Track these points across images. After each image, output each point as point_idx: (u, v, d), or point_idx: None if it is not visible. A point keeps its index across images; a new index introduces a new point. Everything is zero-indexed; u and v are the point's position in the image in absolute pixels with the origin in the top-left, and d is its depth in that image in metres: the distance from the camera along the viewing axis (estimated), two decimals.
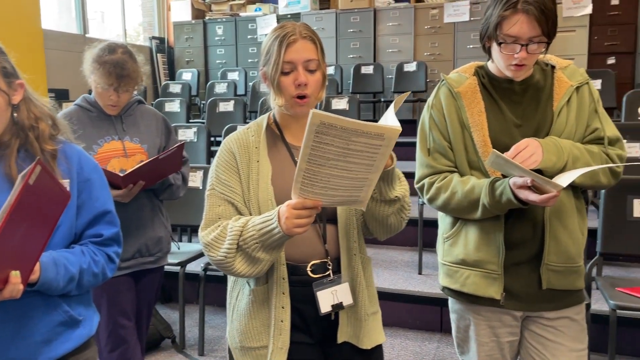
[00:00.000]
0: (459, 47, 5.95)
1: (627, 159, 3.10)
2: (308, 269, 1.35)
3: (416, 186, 1.63)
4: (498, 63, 1.50)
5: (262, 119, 1.47)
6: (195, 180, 2.92)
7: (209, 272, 2.83)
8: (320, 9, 6.59)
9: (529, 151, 1.41)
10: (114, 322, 2.06)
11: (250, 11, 7.01)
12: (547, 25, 1.41)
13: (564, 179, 1.34)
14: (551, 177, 1.39)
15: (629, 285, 2.28)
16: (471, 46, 5.86)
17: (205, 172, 2.96)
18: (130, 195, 2.02)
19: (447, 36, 6.00)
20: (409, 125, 4.41)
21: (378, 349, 1.45)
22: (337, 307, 1.34)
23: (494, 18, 1.44)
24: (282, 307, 1.33)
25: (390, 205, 1.33)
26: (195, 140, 3.71)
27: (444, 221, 1.65)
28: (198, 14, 7.16)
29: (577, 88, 1.53)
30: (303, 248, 1.34)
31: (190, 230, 3.41)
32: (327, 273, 1.35)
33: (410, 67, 5.92)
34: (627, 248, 2.36)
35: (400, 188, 1.36)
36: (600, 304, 2.41)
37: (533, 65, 1.55)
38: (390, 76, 6.07)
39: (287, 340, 1.33)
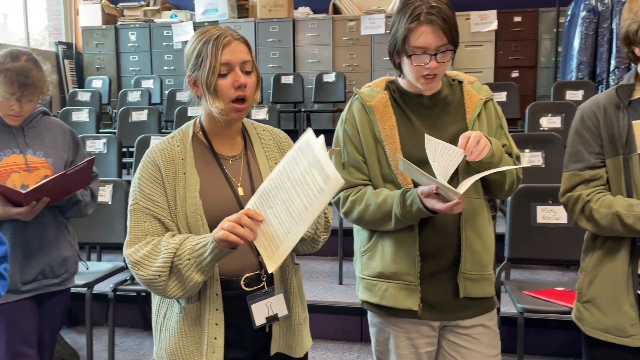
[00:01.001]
0: (375, 58, 6.11)
1: (530, 168, 3.32)
2: (242, 282, 1.32)
3: (332, 201, 1.63)
4: (410, 77, 1.53)
5: (188, 127, 1.42)
6: (104, 195, 2.76)
7: (119, 292, 2.68)
8: (239, 17, 6.53)
9: (477, 137, 1.41)
10: (14, 351, 1.90)
11: (165, 18, 6.81)
12: (451, 33, 1.46)
13: (463, 186, 1.39)
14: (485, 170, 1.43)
15: (534, 288, 2.42)
16: (387, 58, 6.02)
17: (116, 185, 2.82)
18: (33, 213, 1.88)
19: (365, 48, 6.14)
20: (329, 135, 4.44)
21: (306, 354, 1.46)
22: (272, 319, 1.33)
23: (401, 32, 1.47)
24: (216, 324, 1.30)
25: (301, 242, 1.35)
26: (105, 151, 3.52)
27: (360, 235, 1.66)
28: (109, 19, 6.85)
29: (485, 103, 1.59)
30: (236, 261, 1.32)
31: (99, 249, 3.22)
32: (261, 285, 1.33)
33: (330, 77, 5.99)
34: (532, 253, 2.50)
35: (313, 226, 1.37)
36: (509, 307, 2.53)
37: (441, 81, 1.61)
38: (310, 86, 6.11)
39: (220, 357, 1.30)
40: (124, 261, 2.75)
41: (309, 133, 1.16)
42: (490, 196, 1.65)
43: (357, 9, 6.31)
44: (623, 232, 1.42)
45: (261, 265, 1.34)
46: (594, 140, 1.48)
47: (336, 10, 6.44)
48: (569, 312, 1.62)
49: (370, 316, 1.66)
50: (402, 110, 1.58)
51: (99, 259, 3.19)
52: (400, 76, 1.61)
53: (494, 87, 5.25)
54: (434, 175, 1.37)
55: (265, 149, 1.45)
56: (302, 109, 5.87)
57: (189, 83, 1.35)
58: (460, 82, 1.63)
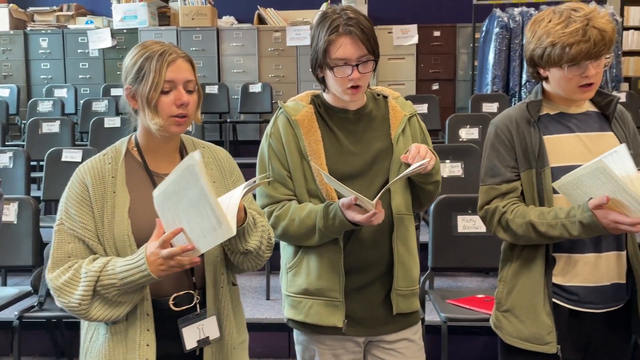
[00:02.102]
0: (302, 70, 6.11)
1: (450, 178, 3.43)
2: (170, 302, 1.27)
3: None
4: (334, 89, 1.52)
5: (122, 144, 1.36)
6: (9, 213, 2.54)
7: (25, 320, 2.46)
8: (160, 25, 6.32)
9: (424, 150, 1.45)
10: None
11: (80, 24, 6.47)
12: (370, 43, 1.47)
13: (378, 197, 1.40)
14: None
15: (457, 296, 2.48)
16: None
17: (22, 203, 2.61)
18: None
19: (291, 59, 6.13)
20: (255, 146, 4.38)
21: None
22: (203, 342, 1.29)
23: (321, 45, 1.47)
24: (147, 345, 1.24)
25: (245, 255, 1.31)
26: (11, 166, 3.26)
27: (286, 251, 1.63)
28: (18, 24, 6.41)
29: (409, 118, 1.61)
30: (168, 281, 1.26)
31: (4, 272, 2.96)
32: (193, 304, 1.29)
33: (256, 88, 5.93)
34: (454, 261, 2.57)
35: (255, 238, 1.32)
36: (433, 315, 2.57)
37: (366, 95, 1.61)
38: (235, 96, 6.02)
39: None
40: (31, 284, 2.55)
41: (197, 156, 1.11)
42: (418, 209, 1.68)
43: (283, 20, 6.31)
44: (538, 240, 1.46)
45: (195, 285, 1.31)
46: (508, 155, 1.52)
47: (261, 21, 6.41)
48: (488, 320, 1.65)
49: (296, 334, 1.63)
50: (327, 125, 1.57)
51: (4, 284, 2.94)
52: (324, 90, 1.60)
53: (416, 99, 5.40)
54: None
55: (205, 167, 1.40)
56: (228, 120, 5.76)
57: (127, 96, 1.31)
58: (386, 97, 1.64)
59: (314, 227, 1.48)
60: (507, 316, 1.55)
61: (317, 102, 1.60)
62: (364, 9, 6.11)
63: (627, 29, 5.89)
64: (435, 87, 6.22)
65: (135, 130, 1.37)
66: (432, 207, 2.61)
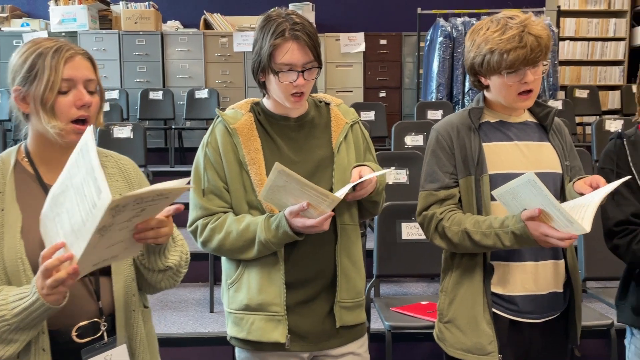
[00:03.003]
0: (249, 76, 6.03)
1: (395, 185, 3.46)
2: (73, 333, 1.14)
3: (189, 230, 1.53)
4: (277, 95, 1.48)
5: (9, 154, 1.21)
6: None
7: None
8: (101, 28, 6.10)
9: (366, 170, 1.44)
10: None
11: (15, 26, 6.16)
12: (316, 50, 1.44)
13: (339, 193, 1.38)
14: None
15: (402, 303, 2.48)
16: None
17: None
18: None
19: (238, 65, 6.06)
20: None
21: None
22: None
23: (266, 49, 1.42)
24: None
25: (164, 273, 1.24)
26: None
27: (226, 267, 1.57)
28: None
29: (352, 126, 1.59)
30: (69, 308, 1.11)
31: None
32: (100, 334, 1.17)
33: (202, 94, 5.82)
34: (399, 269, 2.57)
35: (174, 255, 1.25)
36: (379, 323, 2.57)
37: (308, 102, 1.58)
38: (181, 102, 5.88)
39: None
40: None
41: (88, 134, 1.02)
42: (365, 218, 1.66)
43: (230, 26, 6.23)
44: (473, 249, 1.47)
45: (101, 311, 1.19)
46: (448, 161, 1.52)
47: (207, 26, 6.30)
48: (432, 327, 1.65)
49: (238, 351, 1.57)
50: (267, 133, 1.53)
51: None
52: (265, 96, 1.56)
53: (363, 107, 5.45)
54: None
55: (108, 179, 1.30)
56: (173, 127, 5.62)
57: (16, 99, 1.17)
58: (328, 104, 1.62)
59: (253, 240, 1.43)
60: (449, 327, 1.55)
61: (257, 110, 1.56)
62: (311, 16, 6.12)
63: (563, 39, 6.15)
64: (382, 94, 6.29)
65: (25, 138, 1.23)
66: (376, 216, 2.61)
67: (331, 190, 1.48)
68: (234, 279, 1.53)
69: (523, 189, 1.29)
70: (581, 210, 1.29)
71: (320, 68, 1.48)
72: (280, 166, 1.31)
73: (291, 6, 6.12)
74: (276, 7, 1.52)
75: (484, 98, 1.56)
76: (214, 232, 1.47)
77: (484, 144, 1.50)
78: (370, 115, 5.34)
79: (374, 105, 5.48)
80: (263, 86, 1.52)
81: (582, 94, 5.72)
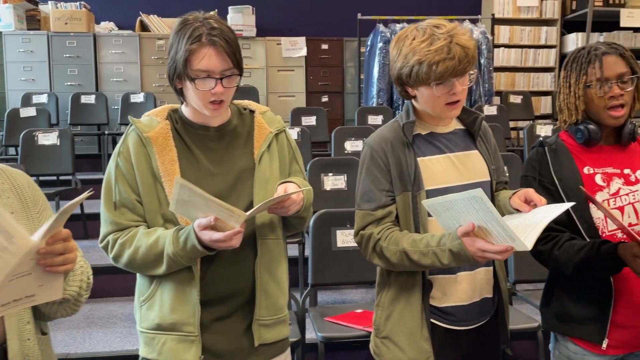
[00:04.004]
0: None
1: (334, 191, 3.43)
2: None
3: (100, 245, 1.43)
4: (195, 103, 1.40)
5: None
6: None
7: None
8: (28, 29, 5.79)
9: (292, 187, 1.38)
10: None
11: None
12: (236, 57, 1.37)
13: (250, 211, 1.31)
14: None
15: (337, 312, 2.44)
16: None
17: None
18: None
19: None
20: None
21: None
22: None
23: (181, 54, 1.34)
24: None
25: (61, 304, 1.16)
26: None
27: (140, 282, 1.48)
28: None
29: (277, 135, 1.52)
30: None
31: None
32: None
33: (138, 98, 5.61)
34: (335, 277, 2.53)
35: (74, 283, 1.15)
36: (314, 333, 2.52)
37: (231, 110, 1.51)
38: (115, 107, 5.65)
39: None
40: None
41: None
42: (291, 232, 1.59)
43: (167, 27, 6.05)
44: (412, 268, 1.43)
45: None
46: (384, 178, 1.48)
47: (144, 28, 6.10)
48: (367, 336, 1.61)
49: None
50: (184, 143, 1.45)
51: None
52: (183, 104, 1.48)
53: (304, 112, 5.42)
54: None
55: None
56: (107, 132, 5.39)
57: None
58: (252, 112, 1.55)
59: (161, 254, 1.35)
60: (386, 343, 1.51)
61: (175, 118, 1.47)
62: (251, 20, 6.04)
63: (498, 46, 6.34)
64: (324, 99, 6.28)
65: None
66: (311, 222, 2.57)
67: (252, 203, 1.42)
68: (147, 296, 1.44)
69: (462, 204, 1.26)
70: (527, 230, 1.28)
71: (241, 75, 1.42)
72: (181, 180, 1.24)
73: (231, 9, 6.03)
74: (194, 11, 1.44)
75: (413, 109, 1.53)
76: (124, 247, 1.38)
77: (418, 159, 1.47)
78: (311, 120, 5.31)
79: (315, 110, 5.45)
80: (180, 93, 1.44)
81: (516, 99, 5.91)
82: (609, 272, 1.42)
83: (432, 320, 1.49)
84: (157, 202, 1.40)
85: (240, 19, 5.96)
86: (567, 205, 1.34)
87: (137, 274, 1.49)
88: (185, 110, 1.48)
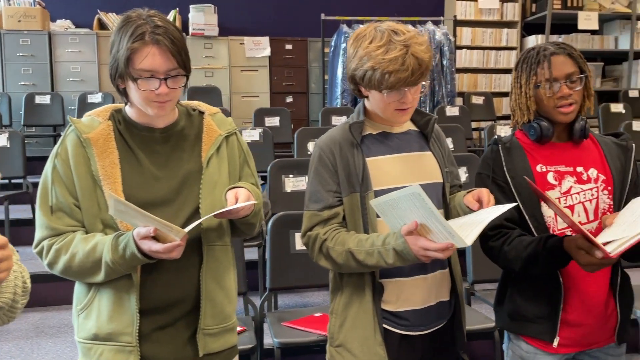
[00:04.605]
0: None
1: (294, 193, 3.38)
2: None
3: (34, 250, 1.36)
4: (139, 104, 1.34)
5: None
6: None
7: None
8: None
9: (243, 193, 1.34)
10: None
11: None
12: (181, 56, 1.31)
13: (191, 226, 1.26)
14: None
15: (296, 316, 2.39)
16: None
17: None
18: None
19: None
20: None
21: None
22: None
23: (123, 52, 1.28)
24: None
25: None
26: None
27: (78, 290, 1.42)
28: None
29: (227, 137, 1.47)
30: None
31: None
32: None
33: (96, 98, 5.46)
34: (292, 281, 2.49)
35: (6, 292, 1.08)
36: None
37: (179, 111, 1.45)
38: (72, 107, 5.48)
39: None
40: None
41: None
42: (239, 237, 1.56)
43: None
44: (358, 269, 1.41)
45: None
46: (331, 179, 1.46)
47: (102, 26, 5.93)
48: (324, 340, 1.58)
49: None
50: (127, 145, 1.39)
51: None
52: (126, 104, 1.41)
53: (268, 112, 5.36)
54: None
55: None
56: (62, 133, 5.20)
57: None
58: (202, 113, 1.49)
59: (99, 262, 1.29)
60: (341, 351, 1.48)
61: (118, 118, 1.41)
62: (213, 19, 5.94)
63: (460, 48, 6.41)
64: (289, 99, 6.24)
65: None
66: (269, 225, 2.52)
67: (198, 208, 1.37)
68: (84, 304, 1.38)
69: (405, 201, 1.25)
70: (469, 228, 1.28)
71: (187, 76, 1.36)
72: (113, 196, 1.20)
73: (192, 8, 5.92)
74: (138, 8, 1.38)
75: (365, 109, 1.51)
76: (60, 254, 1.32)
77: (367, 159, 1.46)
78: (275, 121, 5.25)
79: (278, 111, 5.40)
80: (123, 93, 1.38)
81: (478, 100, 5.98)
82: (555, 266, 1.42)
83: (386, 326, 1.46)
84: (96, 207, 1.34)
85: (202, 18, 5.86)
86: (510, 205, 1.34)
87: (76, 283, 1.42)
88: (129, 110, 1.42)
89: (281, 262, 2.47)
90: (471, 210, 1.41)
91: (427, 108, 5.66)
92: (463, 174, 3.45)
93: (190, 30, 5.89)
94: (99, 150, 1.35)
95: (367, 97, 1.48)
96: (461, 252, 3.04)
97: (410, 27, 1.46)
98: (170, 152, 1.41)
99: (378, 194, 1.41)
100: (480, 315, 2.39)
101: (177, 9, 6.03)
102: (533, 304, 1.50)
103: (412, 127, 1.56)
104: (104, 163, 1.35)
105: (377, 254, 1.37)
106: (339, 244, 1.41)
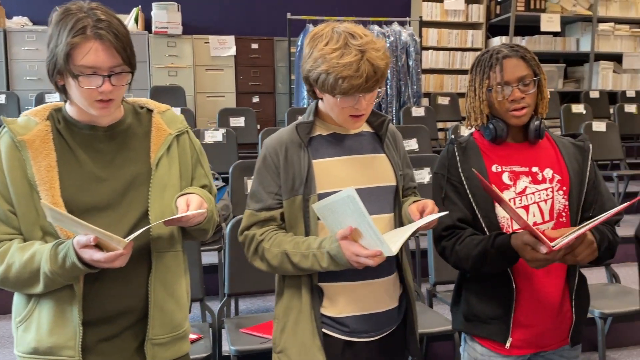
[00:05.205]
0: None
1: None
2: None
3: None
4: (80, 102, 1.26)
5: None
6: None
7: None
8: None
9: (195, 200, 1.27)
10: None
11: None
12: (126, 52, 1.24)
13: (134, 235, 1.20)
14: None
15: (258, 320, 2.34)
16: None
17: None
18: None
19: None
20: None
21: None
22: None
23: (62, 48, 1.20)
24: None
25: None
26: None
27: (17, 301, 1.34)
28: None
29: (178, 137, 1.41)
30: None
31: None
32: None
33: (54, 97, 5.25)
34: (251, 285, 2.42)
35: None
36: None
37: (125, 108, 1.37)
38: (29, 107, 5.28)
39: None
40: None
41: None
42: (192, 240, 1.49)
43: None
44: (294, 271, 1.39)
45: None
46: (273, 180, 1.43)
47: None
48: None
49: None
50: (67, 146, 1.31)
51: None
52: (66, 102, 1.33)
53: (232, 112, 5.27)
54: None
55: None
56: None
57: None
58: (150, 111, 1.42)
59: (37, 272, 1.22)
60: (282, 358, 1.44)
61: (57, 118, 1.33)
62: (176, 17, 5.82)
63: (426, 48, 6.44)
64: (255, 99, 6.16)
65: None
66: (227, 228, 2.46)
67: (147, 212, 1.31)
68: (23, 316, 1.30)
69: (340, 205, 1.22)
70: (397, 236, 1.28)
71: (133, 73, 1.29)
72: (47, 205, 1.14)
73: (154, 6, 5.79)
74: (141, 10, 1.29)
75: (317, 109, 1.47)
76: None
77: (314, 161, 1.41)
78: (240, 122, 5.17)
79: (243, 111, 5.32)
80: (62, 90, 1.29)
81: (443, 100, 6.01)
82: (504, 264, 1.41)
83: (328, 332, 1.43)
84: (34, 213, 1.26)
85: (165, 16, 5.73)
86: (442, 214, 1.35)
87: (15, 294, 1.34)
88: (69, 108, 1.33)
89: (240, 266, 2.40)
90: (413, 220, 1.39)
91: (394, 109, 5.66)
92: (427, 175, 3.44)
93: (153, 29, 5.76)
94: (34, 153, 1.27)
95: (321, 98, 1.44)
96: (423, 253, 3.05)
97: (368, 31, 1.42)
98: (115, 151, 1.34)
99: (323, 197, 1.37)
100: (440, 317, 2.38)
101: (140, 6, 5.88)
102: (486, 305, 1.49)
103: (367, 129, 1.52)
104: (39, 167, 1.27)
105: (312, 257, 1.34)
106: (275, 245, 1.39)
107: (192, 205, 1.28)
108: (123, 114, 1.37)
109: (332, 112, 1.42)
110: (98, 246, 1.17)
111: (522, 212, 1.45)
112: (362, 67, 1.30)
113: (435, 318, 2.36)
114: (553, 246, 1.23)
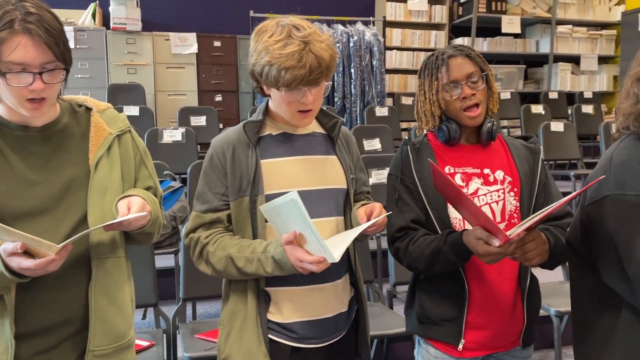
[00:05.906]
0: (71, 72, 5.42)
1: None
2: None
3: None
4: (9, 101, 1.18)
5: None
6: None
7: None
8: None
9: (136, 202, 1.21)
10: None
11: None
12: (59, 48, 1.16)
13: (68, 241, 1.13)
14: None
15: (212, 326, 2.27)
16: (78, 76, 5.40)
17: None
18: None
19: None
20: None
21: None
22: None
23: None
24: None
25: None
26: None
27: None
28: None
29: (119, 136, 1.34)
30: None
31: None
32: None
33: None
34: (206, 289, 2.35)
35: None
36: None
37: (61, 107, 1.30)
38: None
39: None
40: None
41: None
42: (137, 245, 1.42)
43: None
44: (239, 276, 1.35)
45: None
46: (220, 181, 1.39)
47: None
48: None
49: None
50: None
51: None
52: None
53: (193, 111, 5.17)
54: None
55: None
56: None
57: None
58: (89, 110, 1.35)
59: None
60: None
61: None
62: (135, 13, 5.67)
63: (390, 49, 6.46)
64: (218, 98, 6.06)
65: None
66: (182, 234, 2.38)
67: (86, 216, 1.24)
68: None
69: (285, 208, 1.19)
70: (339, 242, 1.25)
71: (67, 70, 1.21)
72: None
73: (112, 1, 5.62)
74: (99, 5, 1.21)
75: (267, 108, 1.44)
76: None
77: (262, 161, 1.38)
78: (201, 121, 5.08)
79: (205, 110, 5.22)
80: None
81: (407, 100, 6.04)
82: (457, 262, 1.40)
83: (275, 338, 1.39)
84: None
85: (124, 12, 5.58)
86: (382, 216, 1.34)
87: None
88: (1, 108, 1.25)
89: (197, 269, 2.33)
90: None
91: (358, 108, 5.66)
92: None
93: (111, 25, 5.60)
94: None
95: (269, 96, 1.40)
96: (383, 254, 3.04)
97: (315, 24, 1.38)
98: (50, 153, 1.26)
99: (270, 198, 1.33)
100: (400, 318, 2.36)
101: (97, 1, 5.71)
102: (439, 307, 1.48)
103: (319, 129, 1.49)
104: None
105: (256, 261, 1.31)
106: (220, 249, 1.35)
107: (134, 208, 1.22)
108: (59, 113, 1.30)
109: (280, 109, 1.38)
110: (27, 253, 1.10)
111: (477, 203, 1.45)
112: (305, 58, 1.28)
113: (395, 319, 2.35)
114: (509, 235, 1.21)
